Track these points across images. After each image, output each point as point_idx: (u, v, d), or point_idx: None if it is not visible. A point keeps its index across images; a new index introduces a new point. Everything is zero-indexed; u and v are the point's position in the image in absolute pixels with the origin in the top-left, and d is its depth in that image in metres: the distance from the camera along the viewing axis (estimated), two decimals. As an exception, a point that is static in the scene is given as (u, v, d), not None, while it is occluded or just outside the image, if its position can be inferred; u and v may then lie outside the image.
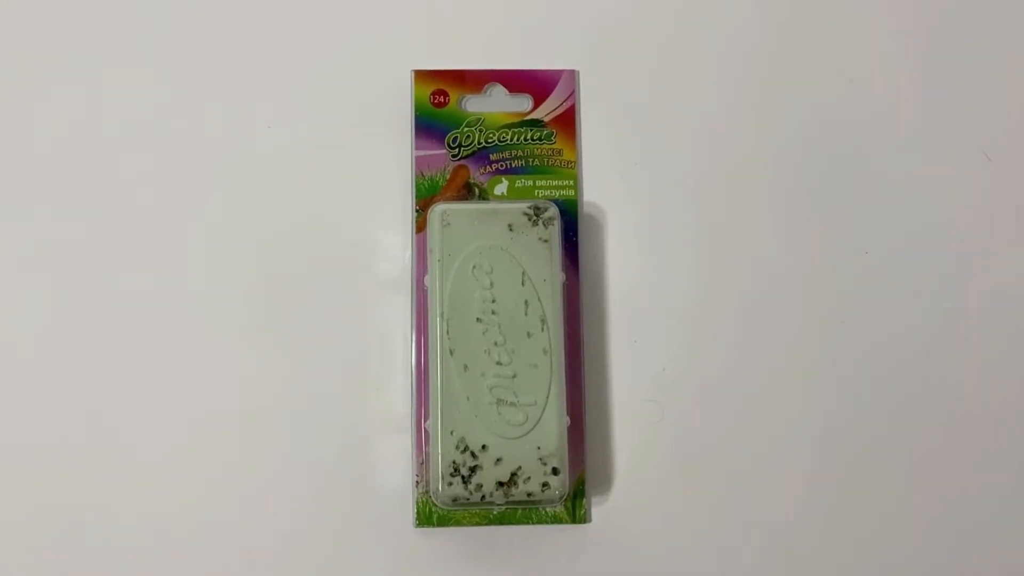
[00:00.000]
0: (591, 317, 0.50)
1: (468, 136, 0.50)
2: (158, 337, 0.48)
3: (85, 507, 0.47)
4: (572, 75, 0.51)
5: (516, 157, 0.50)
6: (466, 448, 0.45)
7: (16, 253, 0.49)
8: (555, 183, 0.50)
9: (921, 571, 0.48)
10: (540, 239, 0.47)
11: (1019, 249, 0.51)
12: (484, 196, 0.50)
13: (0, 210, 0.49)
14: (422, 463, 0.47)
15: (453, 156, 0.50)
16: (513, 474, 0.45)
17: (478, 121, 0.50)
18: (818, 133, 0.51)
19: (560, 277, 0.47)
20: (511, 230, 0.47)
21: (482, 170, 0.50)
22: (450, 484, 0.45)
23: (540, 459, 0.45)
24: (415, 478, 0.47)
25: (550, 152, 0.50)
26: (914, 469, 0.49)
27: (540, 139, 0.50)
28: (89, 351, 0.48)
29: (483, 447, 0.45)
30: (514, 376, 0.46)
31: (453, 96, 0.50)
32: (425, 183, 0.50)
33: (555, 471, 0.45)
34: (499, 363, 0.46)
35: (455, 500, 0.45)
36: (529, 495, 0.45)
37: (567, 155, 0.50)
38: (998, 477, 0.49)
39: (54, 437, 0.48)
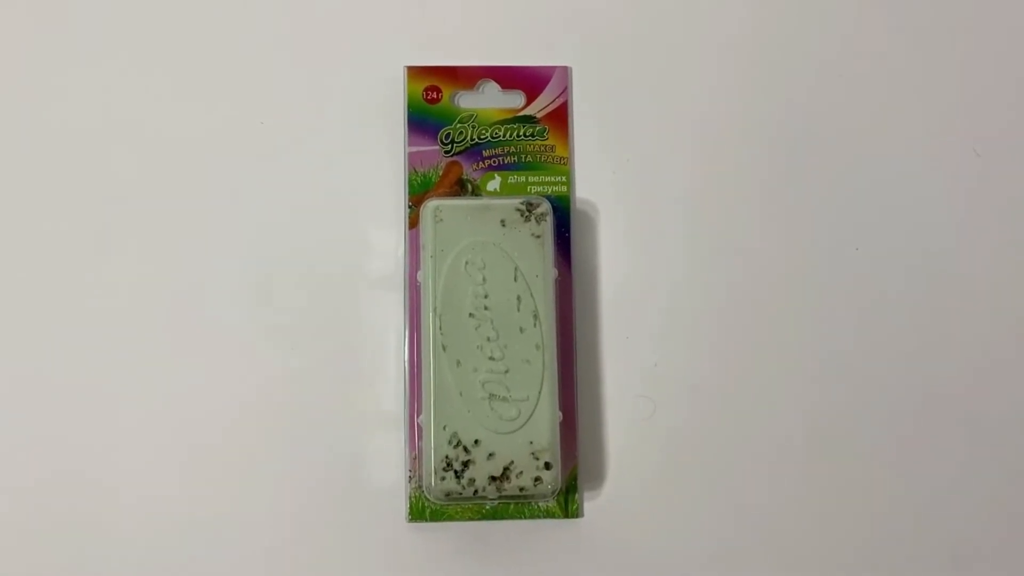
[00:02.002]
0: (583, 313, 0.50)
1: (461, 132, 0.50)
2: (150, 335, 0.48)
3: (84, 500, 0.47)
4: (565, 71, 0.51)
5: (509, 153, 0.50)
6: (459, 443, 0.45)
7: (14, 255, 0.49)
8: (548, 179, 0.50)
9: (911, 563, 0.49)
10: (533, 235, 0.47)
11: (1009, 244, 0.51)
12: (477, 192, 0.50)
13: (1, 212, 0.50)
14: (415, 458, 0.47)
15: (446, 152, 0.50)
16: (506, 469, 0.45)
17: (471, 117, 0.50)
18: (809, 130, 0.52)
19: (553, 273, 0.47)
20: (504, 226, 0.47)
21: (475, 166, 0.50)
22: (443, 479, 0.45)
23: (532, 454, 0.45)
24: (408, 473, 0.47)
25: (543, 148, 0.50)
26: (903, 464, 0.49)
27: (533, 135, 0.50)
28: (82, 348, 0.48)
29: (476, 442, 0.45)
30: (507, 371, 0.46)
31: (446, 92, 0.50)
32: (418, 179, 0.50)
33: (547, 466, 0.45)
34: (492, 358, 0.46)
35: (448, 495, 0.45)
36: (522, 490, 0.45)
37: (560, 151, 0.50)
38: (987, 473, 0.49)
39: (52, 434, 0.48)
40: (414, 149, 0.50)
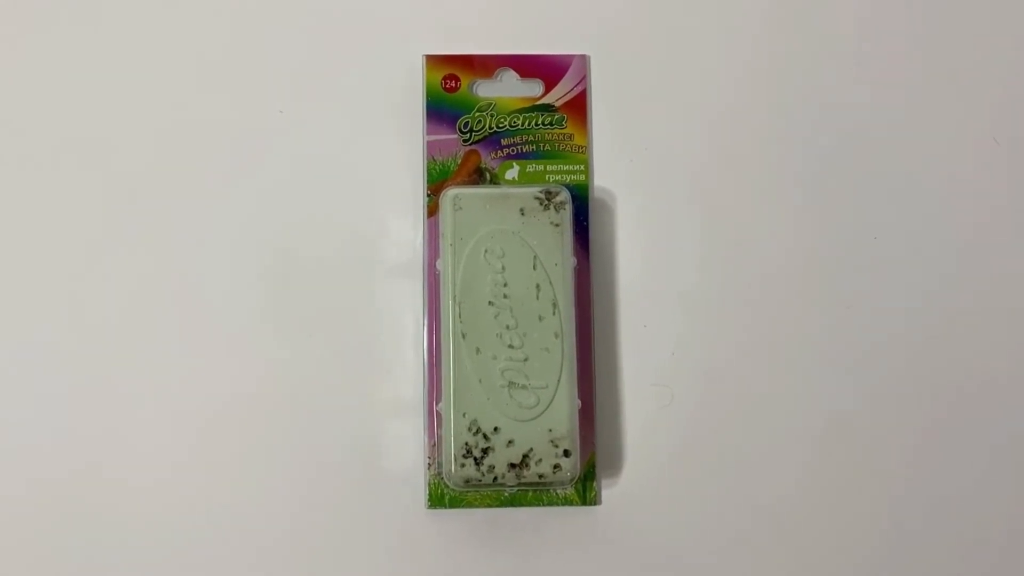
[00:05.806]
0: (601, 301, 0.50)
1: (479, 121, 0.50)
2: (171, 322, 0.49)
3: (99, 487, 0.48)
4: (583, 60, 0.51)
5: (527, 142, 0.50)
6: (478, 430, 0.45)
7: (24, 247, 0.49)
8: (566, 168, 0.50)
9: (925, 555, 0.49)
10: (552, 223, 0.47)
11: (1027, 234, 0.51)
12: (495, 181, 0.50)
13: (11, 202, 0.49)
14: (434, 445, 0.48)
15: (464, 141, 0.50)
16: (525, 456, 0.46)
17: (489, 106, 0.50)
18: (826, 118, 0.52)
19: (571, 261, 0.47)
20: (523, 214, 0.47)
21: (493, 155, 0.50)
22: (462, 465, 0.45)
23: (551, 441, 0.46)
24: (427, 460, 0.48)
25: (561, 137, 0.50)
26: (920, 454, 0.49)
27: (551, 124, 0.50)
28: (96, 339, 0.49)
29: (495, 429, 0.46)
30: (526, 359, 0.46)
31: (464, 81, 0.50)
32: (436, 168, 0.50)
33: (566, 453, 0.46)
34: (511, 346, 0.46)
35: (467, 481, 0.46)
36: (540, 477, 0.46)
37: (578, 140, 0.50)
38: (1005, 462, 0.49)
39: (66, 423, 0.48)
40: (432, 138, 0.50)
